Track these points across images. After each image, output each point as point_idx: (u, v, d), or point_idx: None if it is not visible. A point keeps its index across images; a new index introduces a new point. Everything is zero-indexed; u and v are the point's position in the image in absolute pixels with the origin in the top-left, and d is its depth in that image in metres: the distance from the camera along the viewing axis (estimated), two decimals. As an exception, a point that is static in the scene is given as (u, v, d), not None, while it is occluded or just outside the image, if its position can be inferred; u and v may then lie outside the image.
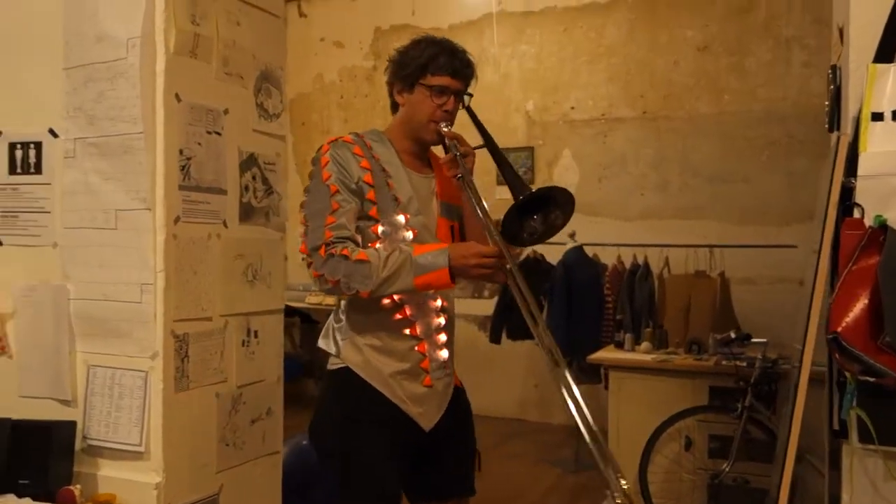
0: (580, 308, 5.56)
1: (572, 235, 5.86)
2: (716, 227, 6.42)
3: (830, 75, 2.46)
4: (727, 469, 4.10)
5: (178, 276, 2.24)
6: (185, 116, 2.26)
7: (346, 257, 2.03)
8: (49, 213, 2.33)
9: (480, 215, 2.13)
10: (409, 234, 2.14)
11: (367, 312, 2.17)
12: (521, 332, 6.04)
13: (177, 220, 2.23)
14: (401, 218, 2.13)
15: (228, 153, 2.42)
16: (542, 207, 2.12)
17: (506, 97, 7.22)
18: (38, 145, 2.34)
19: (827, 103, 2.50)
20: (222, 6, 2.38)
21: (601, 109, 7.02)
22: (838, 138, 2.26)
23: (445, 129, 2.21)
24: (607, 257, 6.13)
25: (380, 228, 2.12)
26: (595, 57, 7.00)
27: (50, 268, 2.33)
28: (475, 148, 2.23)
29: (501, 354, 6.89)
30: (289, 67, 2.81)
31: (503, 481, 5.42)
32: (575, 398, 1.93)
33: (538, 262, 6.07)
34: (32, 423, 2.22)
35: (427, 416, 2.21)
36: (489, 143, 2.25)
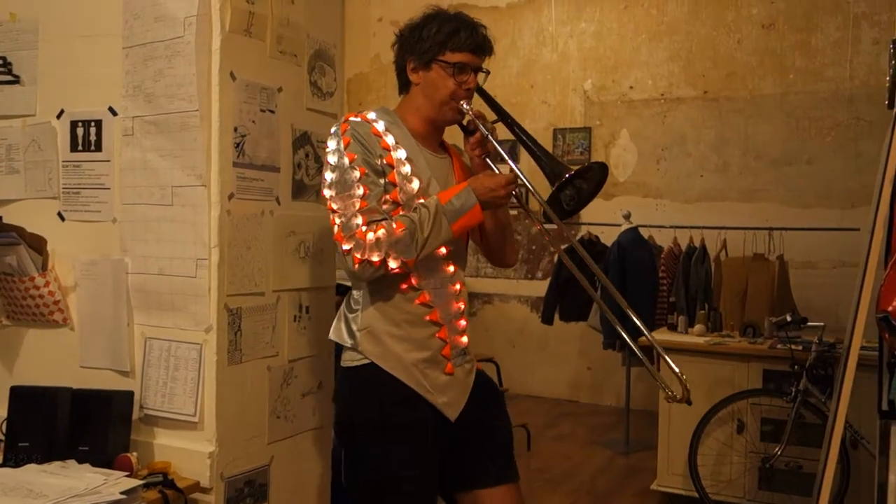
0: (634, 289, 5.53)
1: (627, 216, 5.82)
2: (777, 210, 6.31)
3: (892, 50, 2.39)
4: (779, 453, 4.06)
5: (232, 252, 2.28)
6: (239, 94, 2.29)
7: (385, 232, 2.00)
8: (109, 189, 2.39)
9: (523, 180, 2.13)
10: None
11: (386, 299, 2.12)
12: (573, 313, 6.03)
13: (231, 196, 2.27)
14: (420, 201, 2.08)
15: (282, 131, 2.45)
16: (570, 180, 2.08)
17: (563, 77, 7.17)
18: (99, 123, 2.40)
19: (888, 79, 2.42)
20: (277, -15, 2.41)
21: (661, 89, 6.92)
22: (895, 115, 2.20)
23: (467, 108, 2.15)
24: (663, 239, 6.08)
25: (401, 212, 2.06)
26: (656, 35, 6.91)
27: (110, 243, 2.40)
28: (492, 123, 2.18)
29: (554, 335, 6.89)
30: (347, 47, 2.82)
31: (554, 462, 5.44)
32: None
33: (592, 243, 6.05)
34: (92, 392, 2.29)
35: (452, 406, 2.16)
36: (508, 119, 2.19)
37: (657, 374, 2.01)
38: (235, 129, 2.28)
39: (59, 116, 2.46)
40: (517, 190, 2.15)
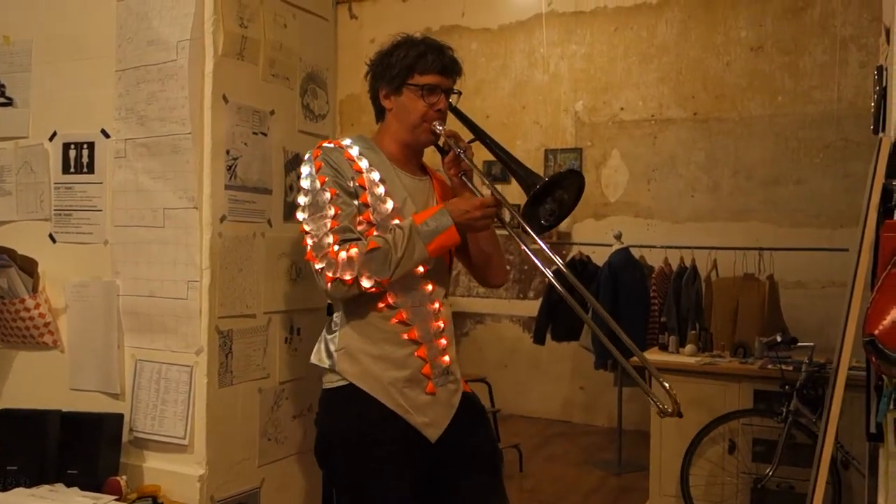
0: (625, 310, 5.53)
1: (619, 237, 5.83)
2: (767, 230, 6.33)
3: (876, 76, 2.42)
4: (770, 473, 4.06)
5: (224, 274, 2.29)
6: (232, 117, 2.30)
7: (357, 251, 2.00)
8: (101, 211, 2.40)
9: (500, 198, 2.12)
10: None
11: (363, 318, 2.12)
12: (565, 333, 6.03)
13: (223, 218, 2.28)
14: (396, 223, 2.08)
15: (274, 153, 2.47)
16: (549, 191, 2.08)
17: (555, 98, 7.19)
18: (91, 145, 2.41)
19: (873, 104, 2.45)
20: (270, 9, 2.42)
21: (651, 110, 6.96)
22: (881, 140, 2.22)
23: (440, 129, 2.16)
24: (654, 259, 6.09)
25: (375, 233, 2.06)
26: (646, 57, 6.95)
27: (101, 264, 2.40)
28: (469, 142, 2.19)
29: (546, 356, 6.88)
30: (339, 69, 2.83)
31: (546, 482, 5.42)
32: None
33: (584, 263, 6.06)
34: (82, 415, 2.29)
35: (433, 426, 2.13)
36: (484, 137, 2.21)
37: (648, 389, 2.02)
38: (228, 152, 2.29)
39: (51, 138, 2.47)
40: (500, 213, 2.14)
